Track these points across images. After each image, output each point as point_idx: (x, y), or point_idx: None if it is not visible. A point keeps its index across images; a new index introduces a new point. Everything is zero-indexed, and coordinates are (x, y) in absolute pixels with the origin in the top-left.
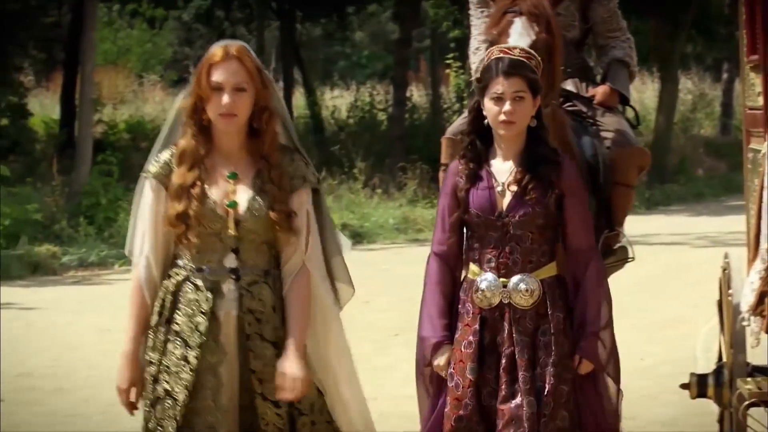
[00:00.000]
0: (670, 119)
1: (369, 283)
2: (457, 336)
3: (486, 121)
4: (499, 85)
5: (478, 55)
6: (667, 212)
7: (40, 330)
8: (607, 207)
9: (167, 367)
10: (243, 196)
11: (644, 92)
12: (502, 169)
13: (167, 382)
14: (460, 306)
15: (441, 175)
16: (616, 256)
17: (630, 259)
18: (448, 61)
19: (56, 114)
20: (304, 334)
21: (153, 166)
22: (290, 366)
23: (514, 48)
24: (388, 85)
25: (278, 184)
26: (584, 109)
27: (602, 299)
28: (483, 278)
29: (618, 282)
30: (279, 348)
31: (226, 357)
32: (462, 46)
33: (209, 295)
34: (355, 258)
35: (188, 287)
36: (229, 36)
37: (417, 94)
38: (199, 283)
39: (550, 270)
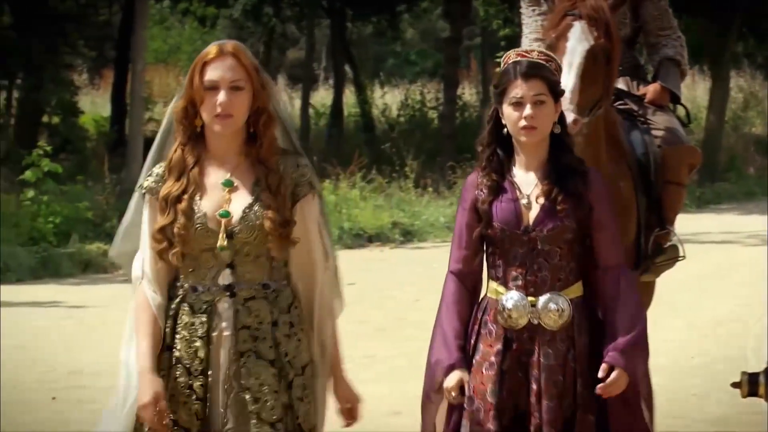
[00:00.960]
0: (721, 117)
1: (419, 281)
2: (477, 358)
3: (505, 129)
4: (518, 89)
5: None
6: (718, 210)
7: (91, 328)
8: (658, 205)
9: (173, 396)
10: (238, 205)
11: (695, 90)
12: (526, 180)
13: (175, 412)
14: (478, 327)
15: None
16: (666, 254)
17: (681, 258)
18: (498, 60)
19: (107, 112)
20: (341, 358)
21: (147, 179)
22: (347, 391)
23: (532, 50)
24: (439, 83)
25: (275, 190)
26: (635, 108)
27: (635, 313)
28: (508, 297)
29: (669, 281)
30: (277, 367)
31: (221, 379)
32: (512, 44)
33: (204, 317)
34: (405, 257)
35: (184, 310)
36: (280, 34)
37: (467, 92)
38: (195, 304)
39: (577, 289)
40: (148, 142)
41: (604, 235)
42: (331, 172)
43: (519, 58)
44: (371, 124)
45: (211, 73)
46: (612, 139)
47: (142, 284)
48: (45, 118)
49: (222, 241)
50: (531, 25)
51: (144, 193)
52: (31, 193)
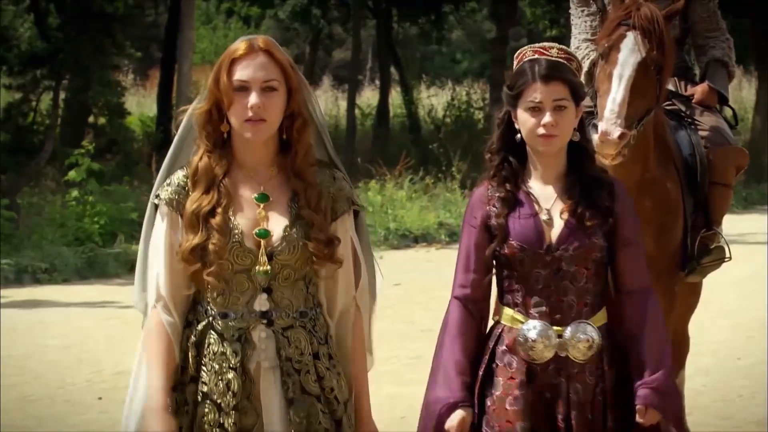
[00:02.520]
0: None
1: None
2: (497, 393)
3: (518, 135)
4: (537, 93)
5: (578, 54)
6: (764, 211)
7: (137, 328)
8: (705, 206)
9: None
10: (277, 223)
11: (741, 91)
12: (544, 192)
13: None
14: (489, 358)
15: None
16: (713, 255)
17: (727, 259)
18: None
19: (153, 113)
20: (368, 393)
21: (165, 189)
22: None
23: (551, 47)
24: (485, 84)
25: (316, 207)
26: (683, 108)
27: (664, 345)
28: (531, 327)
29: (715, 282)
30: (324, 403)
31: (261, 419)
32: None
33: (237, 346)
34: (451, 257)
35: (212, 337)
36: (326, 36)
37: None
38: (225, 331)
39: (603, 316)
40: None
41: (629, 254)
42: (377, 172)
43: (536, 56)
44: (417, 124)
45: (241, 72)
46: (659, 140)
47: (155, 308)
48: (91, 119)
49: (263, 263)
50: (580, 26)
51: (159, 204)
52: (75, 193)
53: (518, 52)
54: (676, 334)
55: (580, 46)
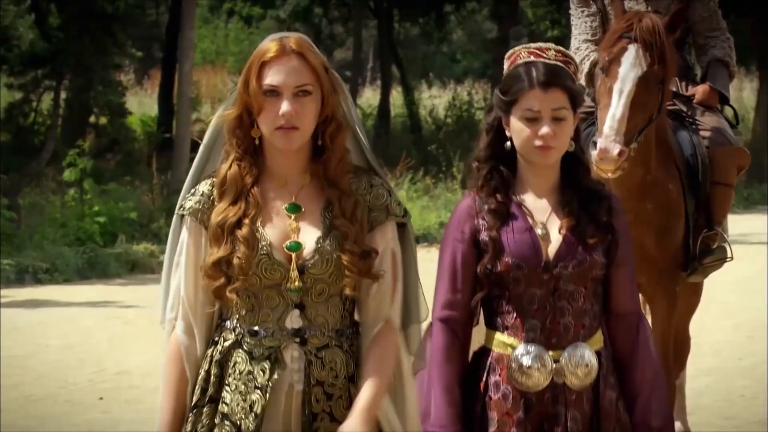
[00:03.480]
0: None
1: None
2: (492, 430)
3: (508, 143)
4: (534, 101)
5: (578, 55)
6: (765, 211)
7: (138, 328)
8: (706, 206)
9: None
10: (309, 235)
11: (742, 91)
12: (538, 205)
13: None
14: (483, 389)
15: None
16: (714, 255)
17: (728, 259)
18: None
19: (154, 113)
20: (379, 400)
21: (189, 200)
22: (353, 426)
23: (548, 48)
24: (486, 84)
25: (351, 216)
26: (684, 109)
27: (657, 370)
28: (524, 352)
29: (717, 282)
30: None
31: None
32: (560, 45)
33: (266, 364)
34: None
35: (239, 356)
36: (327, 36)
37: None
38: (254, 350)
39: (599, 338)
40: (195, 143)
41: (622, 275)
42: None
43: (532, 59)
44: (418, 124)
45: (273, 77)
46: (661, 141)
47: (174, 327)
48: (92, 119)
49: (294, 279)
50: (580, 26)
51: (184, 215)
52: (72, 193)
53: (510, 52)
54: (677, 335)
55: (581, 46)
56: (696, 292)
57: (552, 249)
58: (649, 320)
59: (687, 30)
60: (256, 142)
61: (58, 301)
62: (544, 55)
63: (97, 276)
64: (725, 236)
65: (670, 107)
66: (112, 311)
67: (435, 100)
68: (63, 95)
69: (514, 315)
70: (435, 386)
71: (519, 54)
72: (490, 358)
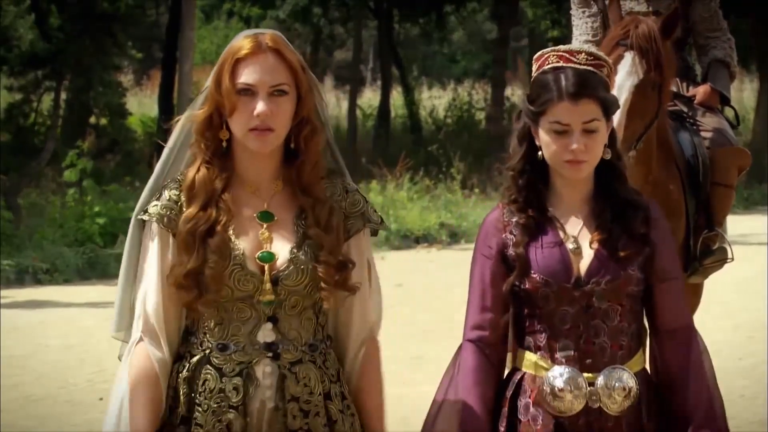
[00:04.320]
0: None
1: (467, 282)
2: None
3: (540, 153)
4: (564, 113)
5: None
6: (765, 212)
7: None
8: (707, 207)
9: None
10: (282, 245)
11: (743, 92)
12: (570, 217)
13: None
14: (509, 410)
15: None
16: (715, 256)
17: (729, 260)
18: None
19: (154, 113)
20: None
21: (154, 205)
22: None
23: (579, 51)
24: (486, 84)
25: (326, 226)
26: (685, 109)
27: (714, 393)
28: (557, 374)
29: (717, 282)
30: None
31: None
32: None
33: (238, 381)
34: (452, 258)
35: (208, 373)
36: (327, 36)
37: (515, 93)
38: (224, 366)
39: (641, 360)
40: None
41: (668, 289)
42: (378, 173)
43: (562, 64)
44: (418, 125)
45: (247, 75)
46: (662, 142)
47: (142, 340)
48: (92, 119)
49: (267, 291)
50: (581, 27)
51: (147, 221)
52: (72, 193)
53: (539, 54)
54: None
55: (582, 47)
56: (696, 293)
57: (584, 264)
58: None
59: (688, 30)
60: (224, 144)
61: (58, 302)
62: (575, 60)
63: (97, 276)
64: (725, 237)
65: (670, 108)
66: (111, 312)
67: (435, 100)
68: (63, 96)
69: (546, 335)
70: (463, 411)
71: (548, 58)
72: (520, 379)
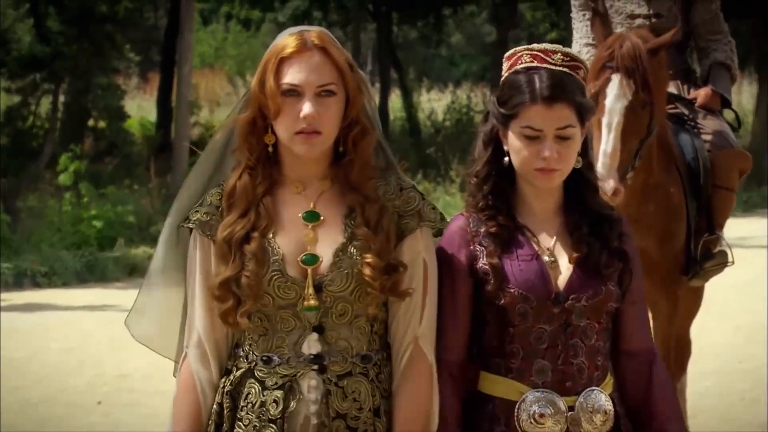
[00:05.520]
0: None
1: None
2: None
3: (506, 159)
4: (536, 117)
5: None
6: (764, 215)
7: None
8: (708, 210)
9: None
10: (327, 246)
11: (741, 94)
12: (542, 228)
13: None
14: None
15: None
16: (715, 260)
17: (729, 264)
18: None
19: (153, 116)
20: None
21: (196, 212)
22: None
23: (554, 50)
24: (485, 87)
25: (375, 226)
26: (686, 112)
27: (681, 416)
28: (534, 399)
29: (717, 285)
30: None
31: None
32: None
33: (279, 394)
34: None
35: (252, 386)
36: None
37: None
38: (267, 379)
39: (611, 381)
40: (194, 146)
41: (637, 311)
42: None
43: (536, 64)
44: (417, 128)
45: (293, 75)
46: (663, 145)
47: (187, 355)
48: (91, 122)
49: (309, 297)
50: (581, 30)
51: (194, 229)
52: (67, 196)
53: (511, 53)
54: (678, 339)
55: (581, 50)
56: (697, 296)
57: (562, 279)
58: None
59: (689, 33)
60: (270, 149)
61: (57, 305)
62: (549, 60)
63: (95, 279)
64: (725, 240)
65: (671, 110)
66: (111, 315)
67: (434, 103)
68: (61, 99)
69: (520, 356)
70: None
71: (520, 57)
72: (491, 406)
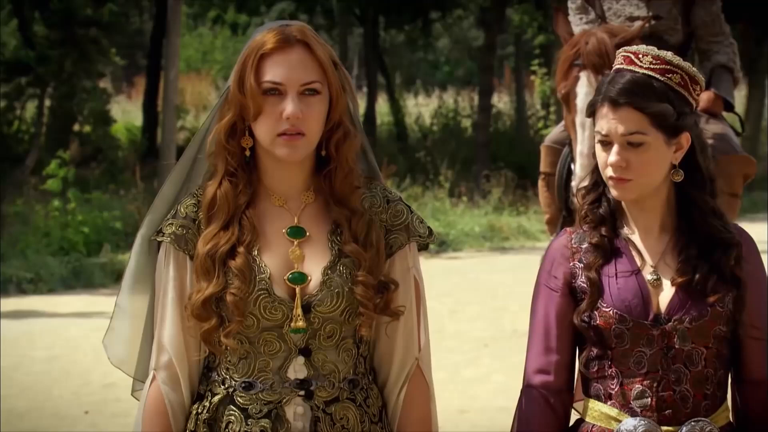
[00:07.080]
0: (758, 126)
1: (456, 292)
2: None
3: None
4: (603, 121)
5: None
6: (755, 220)
7: None
8: None
9: None
10: (315, 264)
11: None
12: (648, 244)
13: None
14: None
15: (540, 184)
16: None
17: None
18: (533, 68)
19: (139, 121)
20: None
21: (170, 224)
22: None
23: (646, 53)
24: (472, 91)
25: (364, 241)
26: None
27: None
28: (631, 427)
29: None
30: None
31: None
32: (547, 52)
33: (266, 423)
34: (441, 266)
35: (232, 414)
36: None
37: (501, 100)
38: (250, 406)
39: (727, 412)
40: (180, 151)
41: (758, 333)
42: None
43: (624, 66)
44: (404, 132)
45: (274, 72)
46: None
47: (155, 378)
48: (76, 127)
49: (298, 318)
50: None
51: (164, 242)
52: (56, 203)
53: (619, 51)
54: None
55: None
56: None
57: (664, 298)
58: None
59: (690, 35)
60: (247, 153)
61: (43, 312)
62: (638, 63)
63: (82, 286)
64: None
65: None
66: (97, 322)
67: (421, 107)
68: (47, 103)
69: (618, 380)
70: None
71: (618, 56)
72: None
